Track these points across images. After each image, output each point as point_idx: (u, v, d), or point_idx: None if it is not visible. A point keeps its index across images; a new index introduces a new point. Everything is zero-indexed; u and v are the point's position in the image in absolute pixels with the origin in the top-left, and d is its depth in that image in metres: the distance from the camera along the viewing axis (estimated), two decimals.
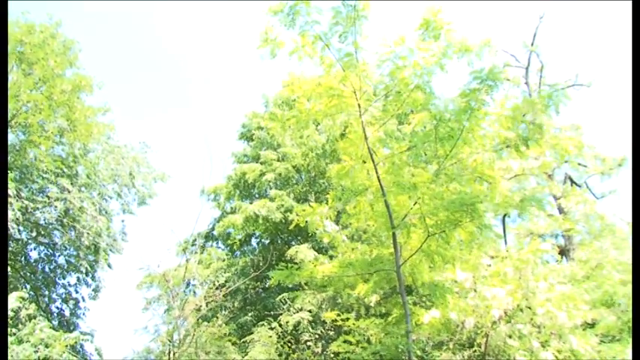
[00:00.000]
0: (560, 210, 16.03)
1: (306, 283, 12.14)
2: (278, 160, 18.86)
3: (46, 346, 9.98)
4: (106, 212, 20.12)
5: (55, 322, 18.72)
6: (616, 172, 16.78)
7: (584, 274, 12.55)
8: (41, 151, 17.43)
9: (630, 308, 10.89)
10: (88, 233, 18.40)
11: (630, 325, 10.73)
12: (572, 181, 17.69)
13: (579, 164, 17.43)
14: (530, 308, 10.04)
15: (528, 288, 9.70)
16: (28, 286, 18.94)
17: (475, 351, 10.36)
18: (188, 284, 14.74)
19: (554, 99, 8.58)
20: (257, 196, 19.42)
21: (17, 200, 16.62)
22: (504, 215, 15.13)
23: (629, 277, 11.64)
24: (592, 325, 10.72)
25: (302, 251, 15.09)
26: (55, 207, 17.69)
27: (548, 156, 13.18)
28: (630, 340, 10.03)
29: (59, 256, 19.92)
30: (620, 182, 17.02)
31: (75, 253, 19.52)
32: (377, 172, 8.50)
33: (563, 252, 15.80)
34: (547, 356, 9.28)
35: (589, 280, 12.31)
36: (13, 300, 10.43)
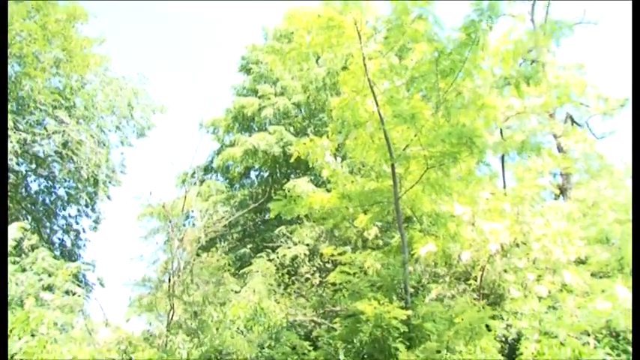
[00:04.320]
0: (560, 149, 15.97)
1: (305, 216, 12.23)
2: (276, 95, 18.66)
3: (49, 275, 10.12)
4: (105, 144, 20.04)
5: (57, 253, 18.98)
6: (618, 112, 16.60)
7: (580, 212, 12.65)
8: (37, 83, 17.14)
9: (623, 246, 11.07)
10: (86, 165, 18.38)
11: (622, 262, 10.95)
12: (573, 121, 17.53)
13: (581, 104, 17.22)
14: (525, 244, 10.17)
15: (525, 223, 9.79)
16: (30, 218, 19.08)
17: (470, 284, 10.54)
18: (187, 216, 14.85)
19: (557, 31, 8.44)
20: (256, 129, 19.31)
21: (15, 132, 16.51)
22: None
23: (625, 216, 11.76)
24: (584, 262, 10.91)
25: (300, 185, 15.14)
26: (54, 139, 17.60)
27: (550, 94, 13.03)
28: (619, 276, 10.27)
29: (59, 188, 19.98)
30: (621, 123, 16.89)
31: (74, 185, 19.57)
32: (377, 104, 8.42)
33: (561, 191, 15.86)
34: (541, 289, 9.49)
35: (585, 218, 12.43)
36: (14, 230, 10.48)
